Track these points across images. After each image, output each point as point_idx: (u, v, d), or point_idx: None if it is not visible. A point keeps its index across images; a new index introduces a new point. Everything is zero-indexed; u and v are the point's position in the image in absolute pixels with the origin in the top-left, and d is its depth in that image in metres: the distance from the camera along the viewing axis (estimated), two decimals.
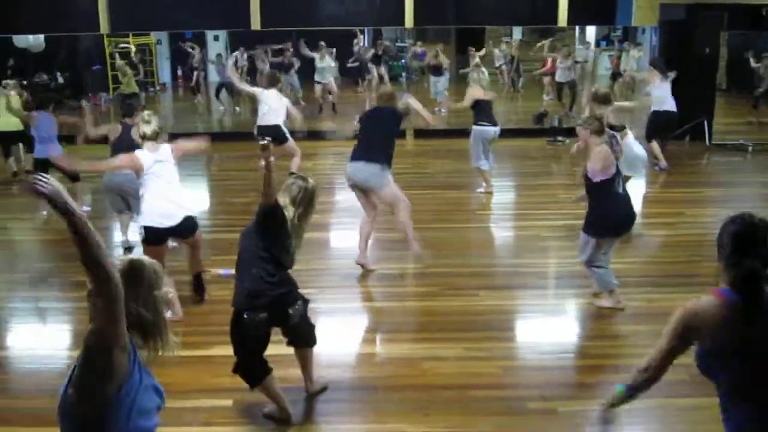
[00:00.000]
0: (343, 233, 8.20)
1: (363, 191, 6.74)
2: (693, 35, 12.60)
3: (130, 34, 16.28)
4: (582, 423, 4.40)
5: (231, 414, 4.40)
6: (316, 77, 15.92)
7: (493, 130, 9.28)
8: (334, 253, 7.51)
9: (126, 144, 6.74)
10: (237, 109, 16.69)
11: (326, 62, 15.86)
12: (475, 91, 9.22)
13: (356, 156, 6.66)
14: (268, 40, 16.47)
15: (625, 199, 5.81)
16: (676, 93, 11.45)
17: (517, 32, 19.52)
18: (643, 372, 2.70)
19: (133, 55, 15.89)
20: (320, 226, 8.07)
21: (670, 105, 10.66)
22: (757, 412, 2.54)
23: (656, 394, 4.49)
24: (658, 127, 10.77)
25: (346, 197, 9.52)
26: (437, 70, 16.53)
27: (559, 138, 12.32)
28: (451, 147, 11.69)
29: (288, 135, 9.86)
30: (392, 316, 5.85)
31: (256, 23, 13.34)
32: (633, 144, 7.79)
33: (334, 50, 16.52)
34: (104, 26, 13.40)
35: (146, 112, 6.03)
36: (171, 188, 5.70)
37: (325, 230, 8.10)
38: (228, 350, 5.17)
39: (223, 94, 16.38)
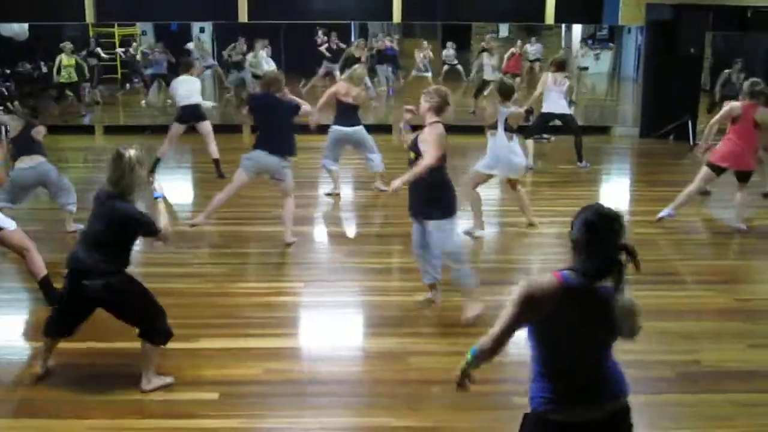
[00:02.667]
0: (327, 227, 8.21)
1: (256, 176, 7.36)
2: (678, 35, 12.67)
3: (116, 25, 16.14)
4: None
5: (217, 407, 4.39)
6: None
7: (351, 131, 8.93)
8: (319, 247, 7.50)
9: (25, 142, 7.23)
10: (169, 100, 16.36)
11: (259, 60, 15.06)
12: (337, 87, 8.96)
13: (272, 149, 7.11)
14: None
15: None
16: (661, 93, 11.54)
17: (504, 29, 19.51)
18: (489, 344, 2.83)
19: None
20: (305, 220, 8.07)
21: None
22: (558, 379, 2.80)
23: (640, 390, 4.56)
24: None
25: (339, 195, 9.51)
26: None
27: (545, 135, 12.35)
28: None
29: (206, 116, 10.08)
30: (379, 310, 5.85)
31: (243, 16, 13.32)
32: (517, 147, 7.57)
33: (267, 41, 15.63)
34: (90, 16, 13.32)
35: None
36: None
37: (309, 224, 8.10)
38: (214, 343, 5.20)
39: (155, 87, 16.34)
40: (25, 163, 7.16)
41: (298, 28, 14.92)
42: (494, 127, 7.43)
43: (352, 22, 15.52)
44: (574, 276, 2.74)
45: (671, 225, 7.92)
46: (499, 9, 14.37)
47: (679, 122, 12.69)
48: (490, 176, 7.65)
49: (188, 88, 9.90)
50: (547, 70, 10.88)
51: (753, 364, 4.97)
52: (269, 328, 5.49)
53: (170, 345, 4.63)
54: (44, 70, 16.77)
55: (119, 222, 4.36)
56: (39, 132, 7.31)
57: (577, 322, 2.75)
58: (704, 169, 7.88)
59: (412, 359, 5.01)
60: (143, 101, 16.69)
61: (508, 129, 7.46)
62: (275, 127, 7.11)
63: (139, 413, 4.31)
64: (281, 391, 4.59)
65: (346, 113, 8.86)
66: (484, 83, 14.94)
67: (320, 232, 8.03)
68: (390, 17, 13.72)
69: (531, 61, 16.52)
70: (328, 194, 9.27)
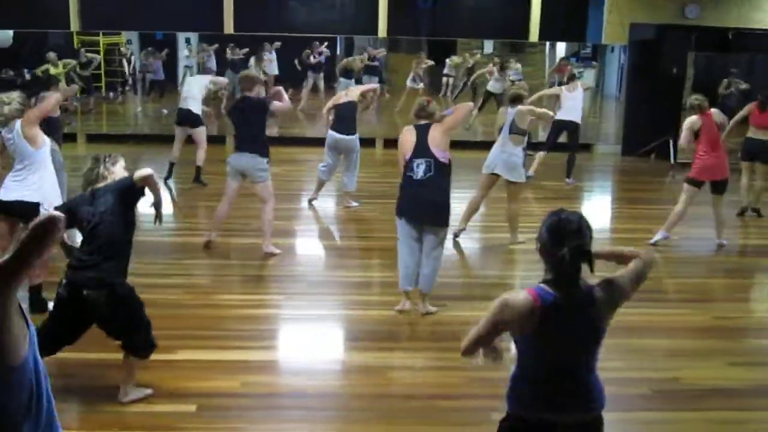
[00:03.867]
0: (309, 240, 8.19)
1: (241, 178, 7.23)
2: (661, 55, 12.82)
3: (101, 33, 16.08)
4: None
5: (194, 419, 4.35)
6: None
7: (339, 138, 8.88)
8: (301, 260, 7.48)
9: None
10: (164, 111, 16.25)
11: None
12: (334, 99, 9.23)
13: (242, 148, 7.09)
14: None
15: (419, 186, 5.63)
16: (643, 112, 11.61)
17: (489, 46, 19.61)
18: (466, 345, 2.94)
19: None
20: (287, 233, 8.05)
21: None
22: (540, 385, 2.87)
23: (617, 407, 4.57)
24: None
25: (313, 204, 9.51)
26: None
27: (529, 152, 12.38)
28: None
29: (202, 122, 10.08)
30: (358, 324, 5.84)
31: (229, 27, 13.32)
32: (514, 149, 7.72)
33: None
34: (74, 24, 13.27)
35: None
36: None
37: (291, 237, 8.08)
38: (193, 355, 5.16)
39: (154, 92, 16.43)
40: None
41: (285, 41, 14.92)
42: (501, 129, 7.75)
43: (338, 37, 15.56)
44: (548, 289, 2.79)
45: (658, 244, 7.96)
46: (484, 26, 14.46)
47: (661, 141, 12.80)
48: (496, 176, 7.73)
49: (187, 89, 10.03)
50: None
51: (732, 382, 4.99)
52: (249, 340, 5.46)
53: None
54: (27, 77, 16.66)
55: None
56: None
57: (557, 334, 2.79)
58: (685, 186, 7.92)
59: (391, 374, 5.00)
60: (139, 108, 16.71)
61: (515, 131, 7.62)
62: (244, 127, 7.12)
63: (116, 425, 4.26)
64: (259, 404, 4.56)
65: (342, 119, 8.92)
66: (489, 95, 14.93)
67: (302, 245, 8.00)
68: (375, 32, 13.78)
69: (513, 82, 16.41)
70: (311, 199, 9.24)
